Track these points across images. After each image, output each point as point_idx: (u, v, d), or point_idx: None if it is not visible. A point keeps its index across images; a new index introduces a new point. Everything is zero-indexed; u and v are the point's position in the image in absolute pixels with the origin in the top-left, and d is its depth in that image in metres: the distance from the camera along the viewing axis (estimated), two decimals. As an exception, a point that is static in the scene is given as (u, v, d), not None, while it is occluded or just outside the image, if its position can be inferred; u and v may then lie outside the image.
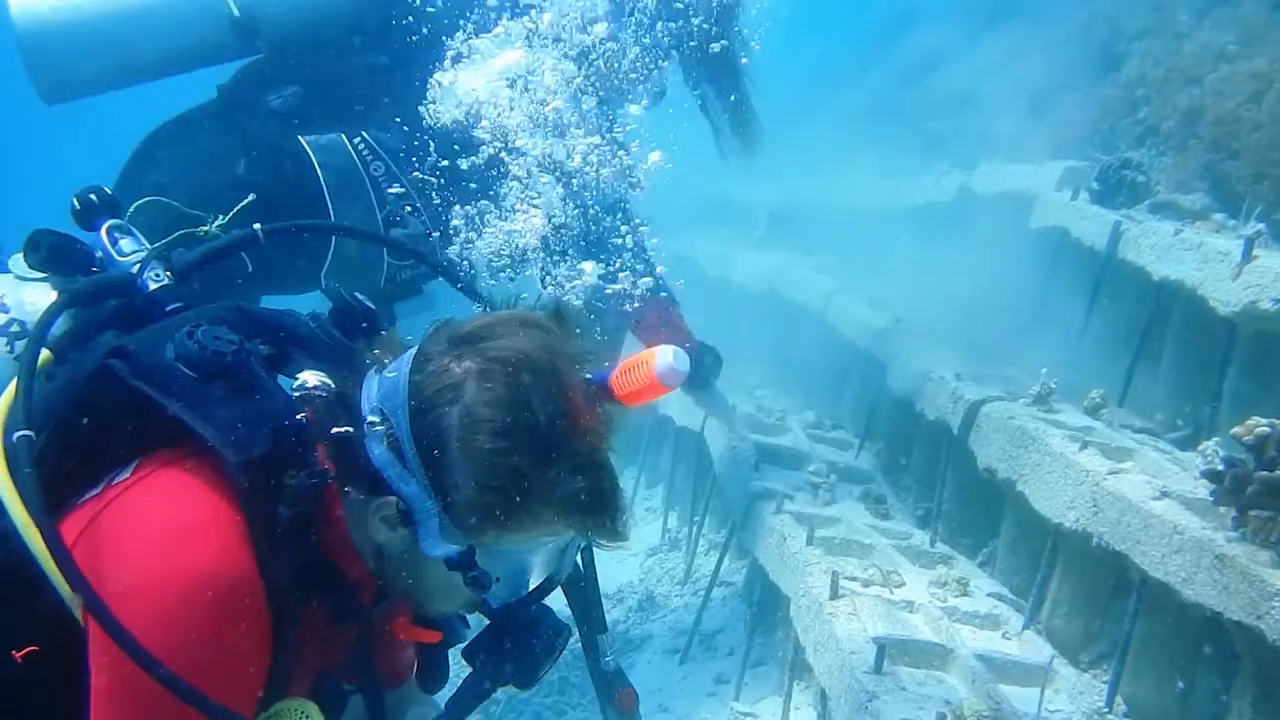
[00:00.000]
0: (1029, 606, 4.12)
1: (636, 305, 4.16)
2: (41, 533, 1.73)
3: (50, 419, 1.88)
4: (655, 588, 6.22)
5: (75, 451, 1.89)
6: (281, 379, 2.05)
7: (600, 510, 1.86)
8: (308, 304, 2.47)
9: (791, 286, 7.31)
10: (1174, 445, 4.43)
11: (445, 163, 3.55)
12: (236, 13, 3.51)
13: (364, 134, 3.50)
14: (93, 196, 2.38)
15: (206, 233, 3.37)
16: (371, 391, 1.89)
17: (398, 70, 3.61)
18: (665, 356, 1.90)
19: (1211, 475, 3.37)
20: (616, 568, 6.22)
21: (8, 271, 2.37)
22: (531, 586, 2.03)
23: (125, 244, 2.34)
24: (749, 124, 4.18)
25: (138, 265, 2.25)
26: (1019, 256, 5.85)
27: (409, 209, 3.51)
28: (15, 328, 2.25)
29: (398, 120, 3.57)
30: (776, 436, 5.95)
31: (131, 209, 2.61)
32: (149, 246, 2.35)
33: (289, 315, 2.18)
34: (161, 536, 1.76)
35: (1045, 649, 3.92)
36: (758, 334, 7.75)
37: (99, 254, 2.32)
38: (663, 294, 4.31)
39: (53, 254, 2.29)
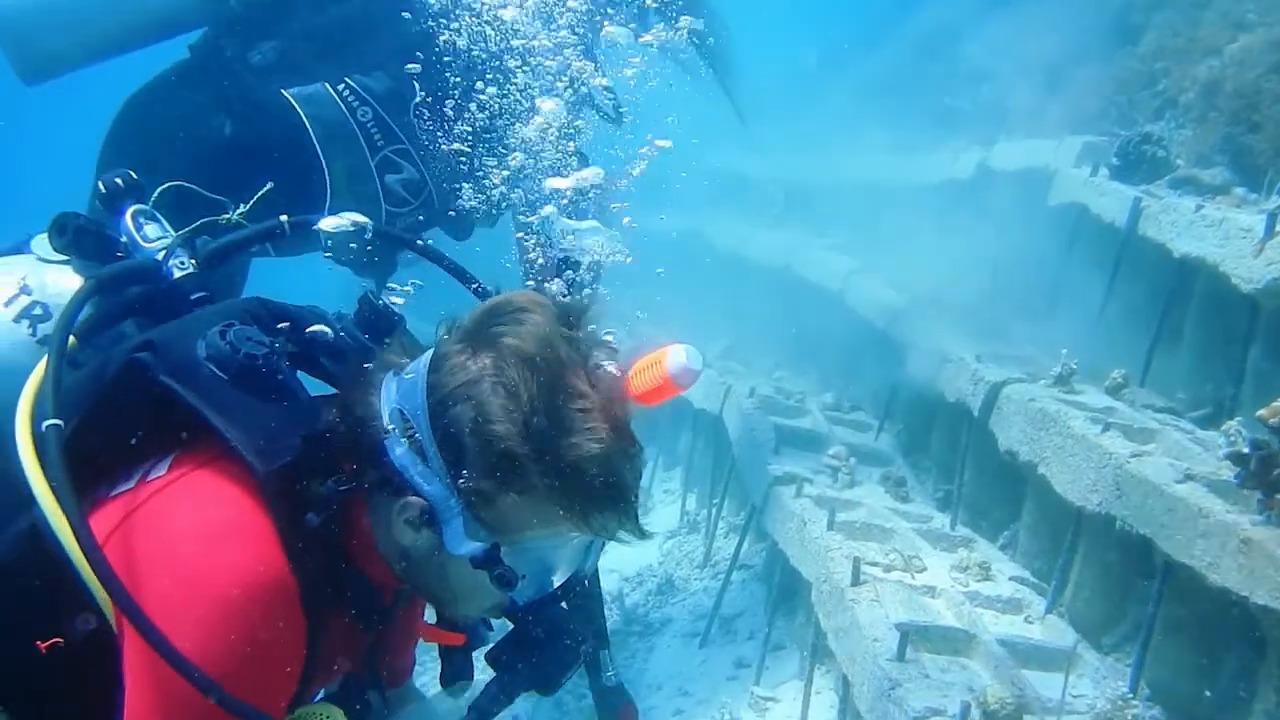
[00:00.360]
0: (1051, 590, 4.10)
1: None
2: (74, 528, 1.72)
3: (77, 409, 1.87)
4: (674, 571, 6.22)
5: (103, 443, 1.88)
6: (304, 377, 2.06)
7: (616, 504, 1.84)
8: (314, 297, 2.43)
9: (808, 266, 7.27)
10: (1196, 424, 4.39)
11: (429, 99, 3.48)
12: None
13: (348, 80, 3.44)
14: (118, 181, 2.36)
15: (229, 220, 3.35)
16: (390, 393, 1.88)
17: (375, 13, 3.55)
18: (678, 356, 1.88)
19: (1236, 458, 3.33)
20: (635, 551, 6.21)
21: (30, 252, 2.36)
22: (557, 583, 2.00)
23: (150, 229, 2.32)
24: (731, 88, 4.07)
25: (163, 252, 2.25)
26: (1038, 234, 5.79)
27: (400, 151, 3.47)
28: (38, 310, 2.23)
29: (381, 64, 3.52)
30: (795, 419, 5.93)
31: (155, 195, 2.57)
32: (173, 233, 2.34)
33: (312, 313, 2.17)
34: (200, 538, 1.76)
35: (1068, 633, 3.91)
36: (773, 313, 7.72)
37: (124, 239, 2.30)
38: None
39: (78, 237, 2.29)
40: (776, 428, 5.63)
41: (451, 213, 3.69)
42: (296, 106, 3.40)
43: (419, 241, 2.55)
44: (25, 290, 2.25)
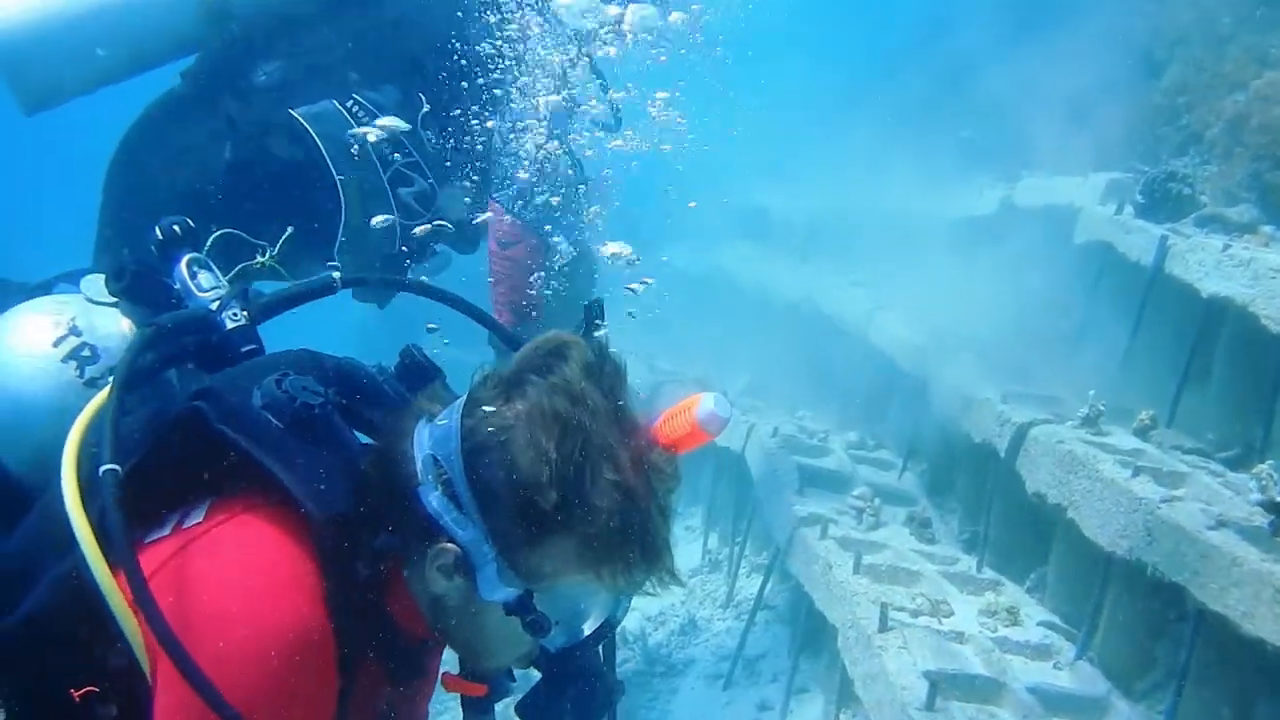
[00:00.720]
0: (1081, 636, 4.05)
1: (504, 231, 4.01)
2: (129, 575, 1.71)
3: (130, 454, 1.87)
4: (697, 610, 6.18)
5: (148, 489, 1.88)
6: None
7: (647, 553, 1.85)
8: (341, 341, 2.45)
9: (830, 302, 7.25)
10: (1226, 465, 4.34)
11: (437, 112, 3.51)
12: None
13: (355, 96, 3.45)
14: (175, 228, 2.39)
15: (262, 265, 3.36)
16: (424, 440, 1.88)
17: (375, 27, 3.56)
18: (707, 404, 1.89)
19: (1269, 506, 3.30)
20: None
21: (79, 291, 2.39)
22: (588, 631, 2.00)
23: (204, 279, 2.35)
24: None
25: (217, 302, 2.27)
26: (1063, 272, 5.76)
27: (410, 164, 3.47)
28: (86, 352, 2.26)
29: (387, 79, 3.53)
30: (819, 458, 5.90)
31: (208, 243, 2.59)
32: (226, 283, 2.36)
33: (354, 365, 2.19)
34: (241, 586, 1.76)
35: (1099, 680, 3.85)
36: (795, 349, 7.68)
37: (177, 286, 2.33)
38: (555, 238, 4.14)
39: (135, 283, 2.32)
40: (800, 467, 5.60)
41: (449, 225, 3.68)
42: (307, 126, 3.40)
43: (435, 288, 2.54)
44: (75, 331, 2.28)
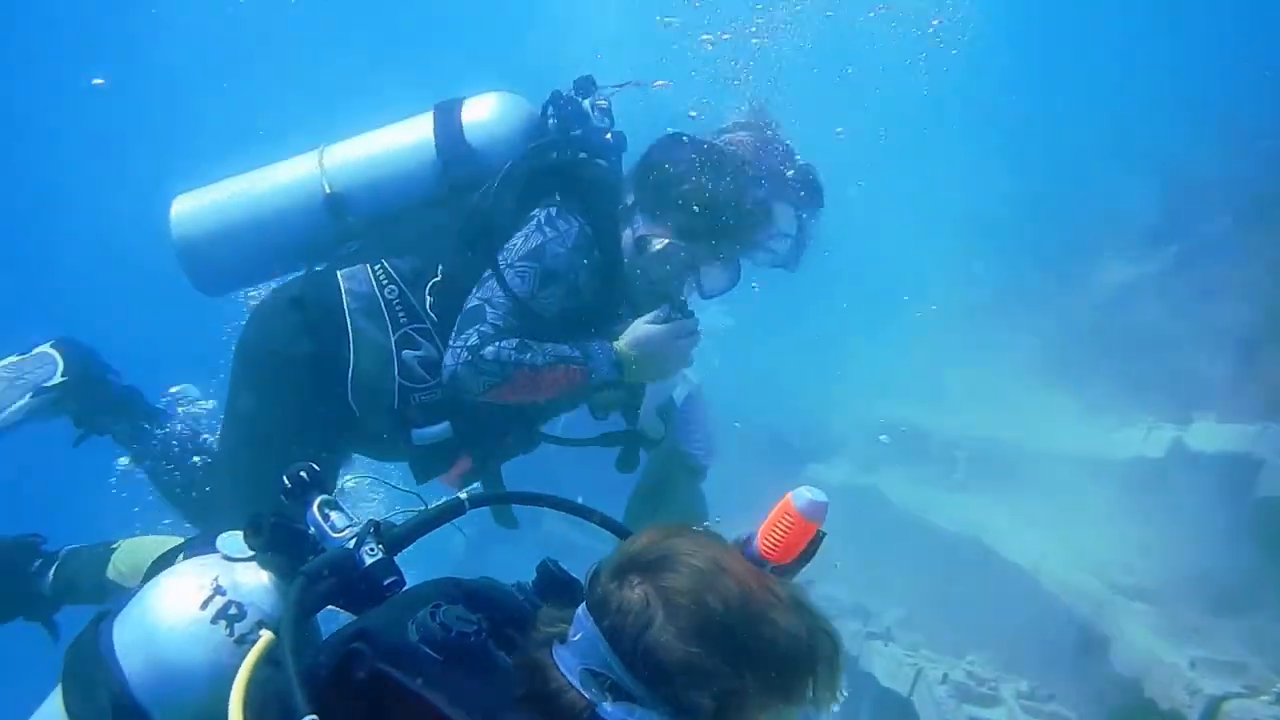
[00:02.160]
0: None
1: None
2: None
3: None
4: None
5: None
6: None
7: (820, 671, 1.86)
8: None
9: (998, 539, 7.18)
10: None
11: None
12: (328, 189, 3.78)
13: (383, 261, 3.67)
14: (303, 474, 2.44)
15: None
16: (567, 661, 1.89)
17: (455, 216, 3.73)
18: (801, 495, 1.96)
19: None
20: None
21: (216, 551, 2.41)
22: None
23: (336, 518, 2.39)
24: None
25: (353, 540, 2.30)
26: (1240, 523, 5.65)
27: (422, 330, 3.65)
28: (233, 610, 2.28)
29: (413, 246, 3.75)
30: (989, 708, 5.79)
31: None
32: (356, 520, 2.40)
33: (496, 586, 2.22)
34: None
35: None
36: (955, 583, 7.58)
37: (311, 530, 2.38)
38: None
39: (274, 535, 2.36)
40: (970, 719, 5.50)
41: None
42: (340, 282, 3.67)
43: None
44: (219, 590, 2.31)
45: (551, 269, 3.44)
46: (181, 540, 3.40)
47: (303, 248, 3.84)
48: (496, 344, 3.38)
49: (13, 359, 4.02)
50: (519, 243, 3.46)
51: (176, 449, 4.11)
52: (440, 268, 3.61)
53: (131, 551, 3.55)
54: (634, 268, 3.56)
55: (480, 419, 3.61)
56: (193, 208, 3.88)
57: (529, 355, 3.39)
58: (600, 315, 3.60)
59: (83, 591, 3.57)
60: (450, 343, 3.43)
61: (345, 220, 3.79)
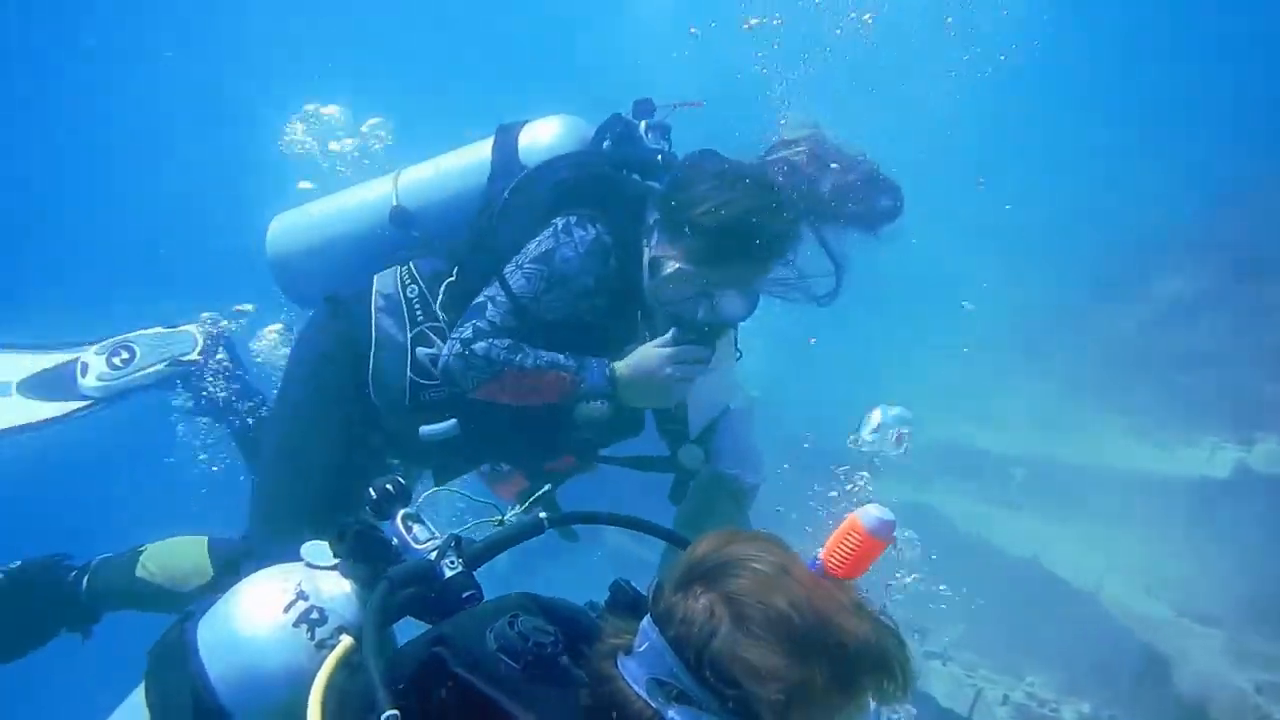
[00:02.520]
0: None
1: None
2: None
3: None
4: None
5: None
6: None
7: (891, 671, 1.88)
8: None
9: (1057, 560, 7.16)
10: None
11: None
12: (395, 202, 3.95)
13: (410, 263, 3.80)
14: (388, 487, 2.52)
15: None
16: (633, 671, 1.92)
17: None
18: (870, 513, 1.97)
19: None
20: None
21: (300, 559, 2.47)
22: None
23: (418, 531, 2.46)
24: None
25: (435, 553, 2.37)
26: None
27: (436, 329, 3.71)
28: (315, 615, 2.32)
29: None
30: (1051, 730, 5.80)
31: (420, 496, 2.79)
32: (438, 534, 2.47)
33: (569, 605, 2.26)
34: None
35: None
36: (1014, 603, 7.56)
37: (394, 541, 2.45)
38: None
39: (358, 543, 2.42)
40: (1034, 741, 5.52)
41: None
42: (374, 283, 3.81)
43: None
44: (302, 595, 2.35)
45: (559, 274, 3.46)
46: (206, 537, 3.80)
47: (378, 261, 3.96)
48: (489, 341, 3.43)
49: (159, 329, 4.49)
50: (533, 246, 3.50)
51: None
52: (456, 268, 3.71)
53: (157, 553, 3.81)
54: (650, 289, 3.53)
55: (486, 419, 3.64)
56: (284, 226, 4.16)
57: (519, 356, 3.43)
58: (615, 331, 3.60)
59: (116, 594, 3.82)
60: (449, 336, 3.52)
61: (411, 235, 3.91)
